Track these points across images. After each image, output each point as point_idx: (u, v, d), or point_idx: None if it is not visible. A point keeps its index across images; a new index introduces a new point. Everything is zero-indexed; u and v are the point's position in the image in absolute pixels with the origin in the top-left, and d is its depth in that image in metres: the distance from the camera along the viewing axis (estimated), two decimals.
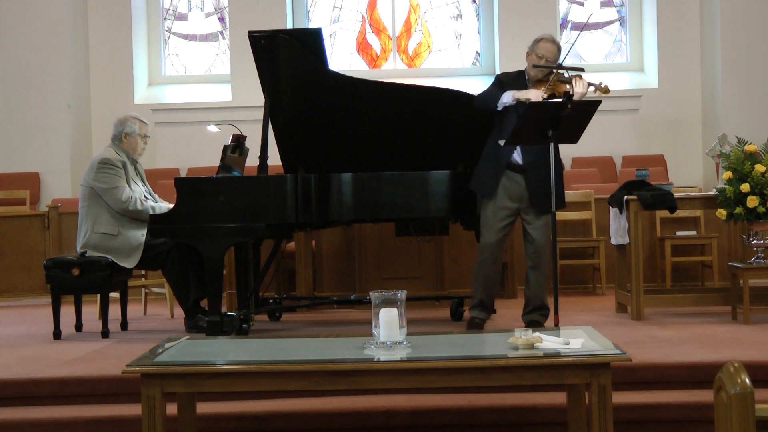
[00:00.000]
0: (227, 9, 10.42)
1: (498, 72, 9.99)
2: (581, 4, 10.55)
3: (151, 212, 5.57)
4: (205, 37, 10.67)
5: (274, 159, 5.81)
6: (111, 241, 5.62)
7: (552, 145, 4.96)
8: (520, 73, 5.31)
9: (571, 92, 4.99)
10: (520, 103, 5.04)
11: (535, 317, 5.24)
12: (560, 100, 4.94)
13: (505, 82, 5.23)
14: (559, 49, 5.24)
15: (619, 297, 6.14)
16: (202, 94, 10.31)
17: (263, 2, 9.97)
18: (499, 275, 5.44)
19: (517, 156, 5.19)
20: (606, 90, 5.16)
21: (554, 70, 5.17)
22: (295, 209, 5.33)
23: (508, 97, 5.08)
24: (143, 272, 6.78)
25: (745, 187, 5.44)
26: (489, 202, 5.23)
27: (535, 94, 5.02)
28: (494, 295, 5.46)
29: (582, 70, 5.39)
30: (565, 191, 7.70)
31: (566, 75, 5.19)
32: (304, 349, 3.52)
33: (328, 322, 6.13)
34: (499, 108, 5.11)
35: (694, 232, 7.49)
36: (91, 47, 10.16)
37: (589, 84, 5.12)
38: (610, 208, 6.18)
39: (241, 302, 5.61)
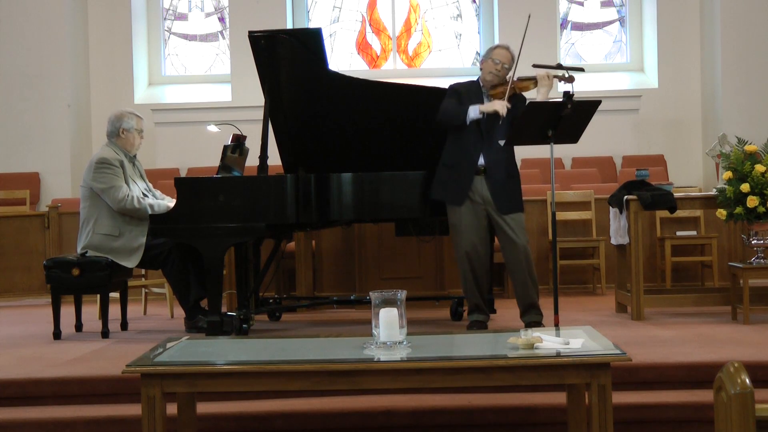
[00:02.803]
0: (227, 9, 10.43)
1: None
2: (581, 4, 10.57)
3: (149, 210, 5.58)
4: (205, 37, 10.67)
5: (274, 159, 5.81)
6: (113, 242, 5.62)
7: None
8: (473, 82, 5.36)
9: (533, 87, 5.12)
10: (486, 115, 5.10)
11: (533, 317, 5.24)
12: (560, 100, 4.95)
13: (462, 92, 5.26)
14: (512, 57, 5.27)
15: (619, 297, 6.14)
16: (202, 94, 10.31)
17: (263, 2, 9.98)
18: (487, 277, 5.37)
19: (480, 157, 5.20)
20: (571, 79, 5.20)
21: (510, 74, 5.21)
22: (295, 209, 5.33)
23: (474, 112, 5.10)
24: (143, 272, 6.78)
25: (745, 187, 5.44)
26: (455, 209, 5.22)
27: (500, 105, 5.03)
28: (488, 296, 5.49)
29: (582, 69, 5.41)
30: (565, 191, 7.83)
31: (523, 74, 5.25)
32: (304, 349, 3.51)
33: (328, 322, 6.13)
34: (467, 123, 5.13)
35: (694, 232, 7.49)
36: (91, 47, 10.17)
37: (554, 76, 5.16)
38: (610, 208, 6.19)
39: (241, 302, 5.61)
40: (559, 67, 5.25)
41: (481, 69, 5.35)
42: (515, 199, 5.24)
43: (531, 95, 5.28)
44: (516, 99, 5.18)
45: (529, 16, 5.08)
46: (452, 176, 5.22)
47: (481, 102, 5.21)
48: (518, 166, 5.46)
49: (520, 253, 5.17)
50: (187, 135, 9.80)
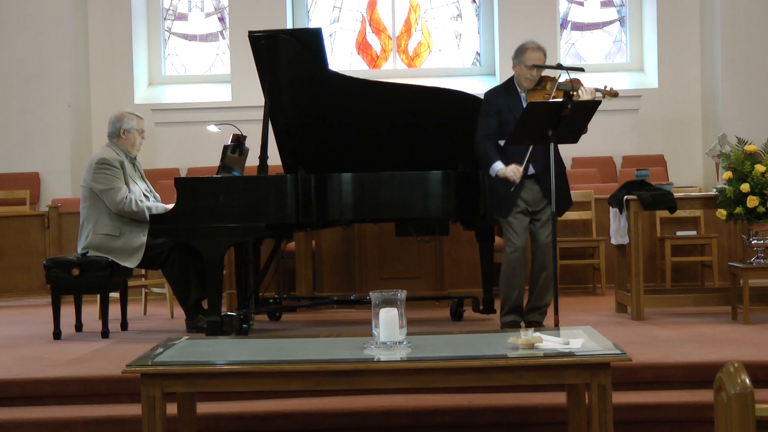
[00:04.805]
0: (227, 9, 10.43)
1: (497, 72, 10.04)
2: (581, 4, 10.56)
3: (148, 213, 5.57)
4: (205, 37, 10.67)
5: (274, 159, 5.81)
6: (113, 241, 5.62)
7: (552, 145, 4.96)
8: (508, 85, 5.27)
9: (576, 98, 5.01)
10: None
11: (535, 317, 5.24)
12: (560, 100, 4.93)
13: (497, 104, 5.17)
14: (545, 53, 5.20)
15: (619, 297, 6.14)
16: (202, 94, 10.31)
17: (263, 2, 9.98)
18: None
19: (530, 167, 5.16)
20: (614, 93, 5.15)
21: (551, 79, 5.14)
22: (295, 209, 5.33)
23: (494, 171, 5.08)
24: (143, 272, 6.78)
25: (745, 187, 5.44)
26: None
27: (512, 172, 4.99)
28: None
29: (582, 69, 5.39)
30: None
31: (565, 80, 5.15)
32: (304, 349, 3.51)
33: (328, 322, 6.13)
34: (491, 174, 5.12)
35: (694, 232, 7.49)
36: (91, 47, 10.17)
37: (596, 89, 5.11)
38: (610, 208, 6.18)
39: (241, 302, 5.61)
40: (559, 66, 5.23)
41: (513, 69, 5.24)
42: (564, 199, 5.22)
43: None
44: None
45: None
46: (500, 189, 5.15)
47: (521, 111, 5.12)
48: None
49: (544, 250, 5.17)
50: (187, 135, 9.80)
